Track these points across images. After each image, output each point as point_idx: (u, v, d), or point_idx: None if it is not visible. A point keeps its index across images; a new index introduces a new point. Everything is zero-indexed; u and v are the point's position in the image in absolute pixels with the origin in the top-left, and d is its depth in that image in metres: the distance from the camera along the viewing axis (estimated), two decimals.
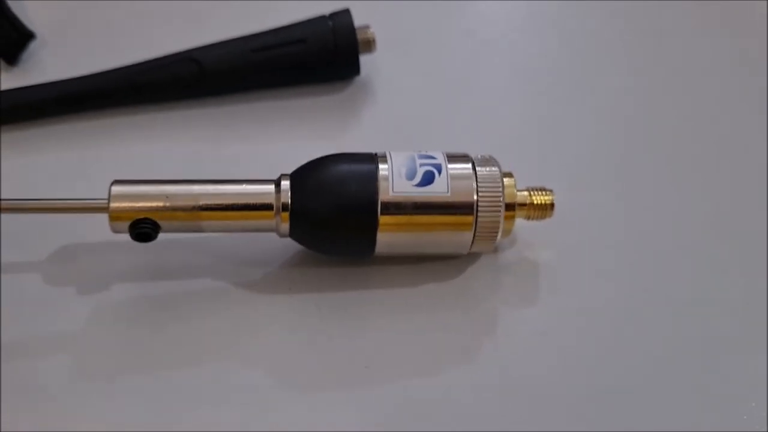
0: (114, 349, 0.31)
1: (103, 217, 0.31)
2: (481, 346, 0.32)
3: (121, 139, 0.39)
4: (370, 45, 0.40)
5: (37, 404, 0.30)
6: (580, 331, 0.32)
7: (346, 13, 0.39)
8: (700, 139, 0.39)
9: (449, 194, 0.31)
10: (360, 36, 0.39)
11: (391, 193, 0.31)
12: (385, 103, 0.40)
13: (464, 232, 0.32)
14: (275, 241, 0.33)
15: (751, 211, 0.36)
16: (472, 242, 0.32)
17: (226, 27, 0.40)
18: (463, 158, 0.32)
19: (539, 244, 0.35)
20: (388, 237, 0.31)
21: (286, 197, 0.31)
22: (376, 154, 0.32)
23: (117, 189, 0.31)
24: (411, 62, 0.42)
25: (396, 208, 0.31)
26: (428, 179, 0.31)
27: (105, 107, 0.39)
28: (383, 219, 0.31)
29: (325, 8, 0.40)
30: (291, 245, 0.33)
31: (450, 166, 0.32)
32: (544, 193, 0.33)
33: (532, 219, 0.33)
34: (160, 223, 0.31)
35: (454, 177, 0.31)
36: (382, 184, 0.31)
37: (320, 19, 0.40)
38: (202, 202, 0.31)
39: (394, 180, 0.31)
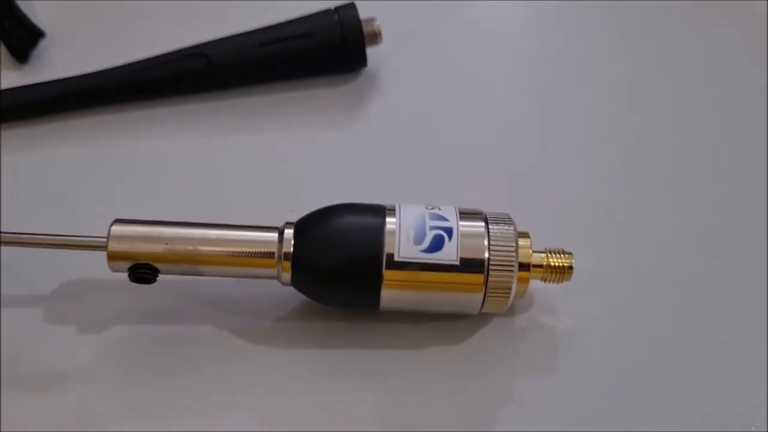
0: (114, 395, 0.30)
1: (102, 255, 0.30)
2: (486, 415, 0.30)
3: (131, 133, 0.39)
4: (376, 37, 0.40)
5: None
6: (595, 402, 0.31)
7: (351, 6, 0.40)
8: (733, 204, 0.37)
9: (458, 262, 0.30)
10: (366, 28, 0.40)
11: (396, 257, 0.30)
12: (392, 94, 0.41)
13: (474, 293, 0.30)
14: (278, 287, 0.31)
15: None
16: (483, 302, 0.30)
17: (233, 21, 0.40)
18: (476, 215, 0.31)
19: (556, 307, 0.33)
20: (393, 293, 0.30)
21: (289, 246, 0.30)
22: (384, 207, 0.31)
23: (117, 229, 0.31)
24: (417, 54, 0.42)
25: (402, 264, 0.30)
26: (437, 245, 0.30)
27: (115, 103, 0.40)
28: (388, 274, 0.30)
29: (331, 2, 0.40)
30: (294, 292, 0.31)
31: (461, 223, 0.30)
32: (562, 255, 0.31)
33: (549, 282, 0.31)
34: (159, 266, 0.30)
35: (465, 235, 0.30)
36: (387, 239, 0.30)
37: (326, 13, 0.40)
38: (202, 247, 0.30)
39: (401, 243, 0.30)
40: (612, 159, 0.38)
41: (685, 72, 0.42)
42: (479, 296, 0.30)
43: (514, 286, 0.30)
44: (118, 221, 0.31)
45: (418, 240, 0.30)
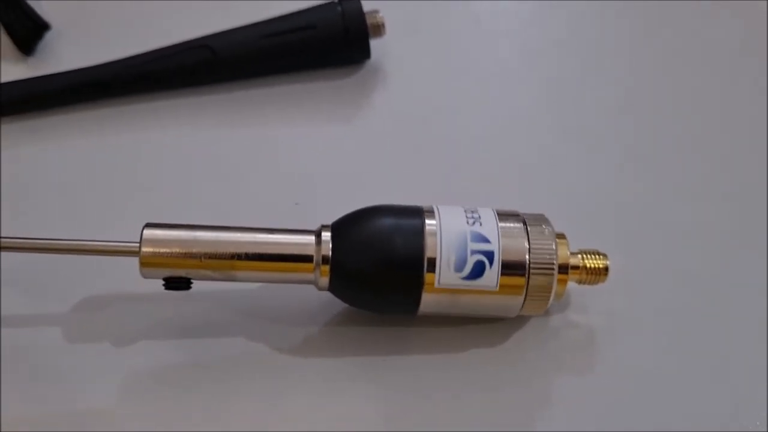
0: (147, 411, 0.30)
1: (132, 261, 0.30)
2: (527, 417, 0.30)
3: (137, 125, 0.39)
4: (379, 29, 0.40)
5: None
6: (632, 402, 0.31)
7: None
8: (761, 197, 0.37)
9: (497, 289, 0.30)
10: (369, 21, 0.40)
11: (437, 285, 0.29)
12: (396, 86, 0.41)
13: (515, 296, 0.30)
14: (312, 293, 0.31)
15: None
16: (523, 305, 0.30)
17: (237, 14, 0.40)
18: (514, 217, 0.31)
19: (591, 307, 0.33)
20: (434, 297, 0.30)
21: (327, 249, 0.30)
22: (422, 209, 0.31)
23: (149, 233, 0.30)
24: (421, 46, 0.43)
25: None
26: (477, 272, 0.29)
27: (121, 95, 0.40)
28: (429, 277, 0.29)
29: None
30: (329, 298, 0.31)
31: (501, 225, 0.30)
32: (598, 256, 0.31)
33: (584, 283, 0.32)
34: (194, 272, 0.30)
35: (505, 236, 0.30)
36: (429, 242, 0.29)
37: (329, 5, 0.40)
38: (238, 251, 0.30)
39: (442, 270, 0.29)
40: (619, 153, 0.39)
41: (691, 66, 0.42)
42: (519, 299, 0.30)
43: (554, 288, 0.30)
44: (149, 225, 0.30)
45: (459, 267, 0.29)
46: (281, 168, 0.37)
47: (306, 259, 0.30)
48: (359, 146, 0.38)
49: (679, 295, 0.34)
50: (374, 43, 0.40)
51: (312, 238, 0.30)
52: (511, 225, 0.30)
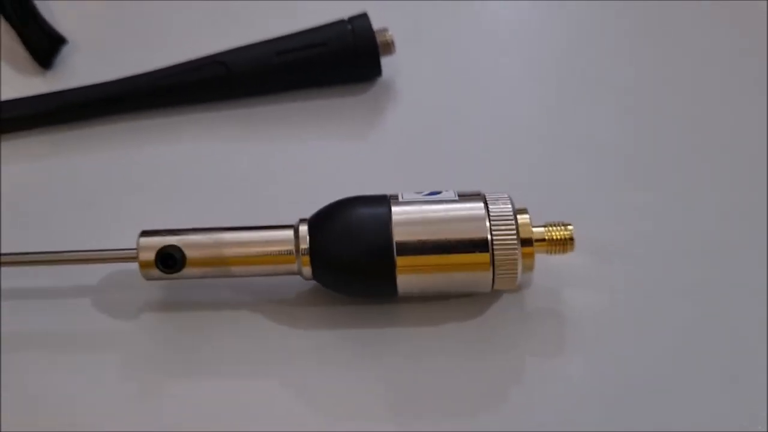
0: (149, 392, 0.32)
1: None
2: (501, 391, 0.32)
3: (152, 140, 0.40)
4: (389, 47, 0.41)
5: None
6: (608, 376, 0.32)
7: (364, 17, 0.41)
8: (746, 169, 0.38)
9: (457, 198, 0.32)
10: (379, 38, 0.40)
11: (400, 198, 0.32)
12: (407, 102, 0.41)
13: (483, 272, 0.32)
14: (305, 283, 0.34)
15: None
16: (493, 280, 0.32)
17: (251, 31, 0.41)
18: (475, 197, 0.32)
19: (569, 281, 0.34)
20: (408, 278, 0.32)
21: (305, 242, 0.32)
22: (388, 196, 0.33)
23: (144, 241, 0.32)
24: (431, 63, 0.43)
25: (412, 249, 0.31)
26: (435, 193, 0.33)
27: (136, 109, 0.41)
28: (400, 260, 0.31)
29: (345, 12, 0.41)
30: (319, 286, 0.33)
31: (462, 205, 0.32)
32: (563, 227, 0.33)
33: (554, 253, 0.33)
34: (189, 271, 0.32)
35: (467, 219, 0.32)
36: (396, 228, 0.31)
37: (340, 23, 0.41)
38: (226, 250, 0.32)
39: (404, 194, 0.33)
40: (625, 160, 0.39)
41: (695, 71, 0.43)
42: (488, 275, 0.32)
43: (519, 262, 0.32)
44: (145, 233, 0.33)
45: (418, 193, 0.33)
46: (293, 183, 0.38)
47: (288, 252, 0.32)
48: (371, 162, 0.39)
49: (662, 273, 0.35)
50: (386, 61, 0.41)
51: (290, 232, 0.32)
52: (472, 204, 0.32)
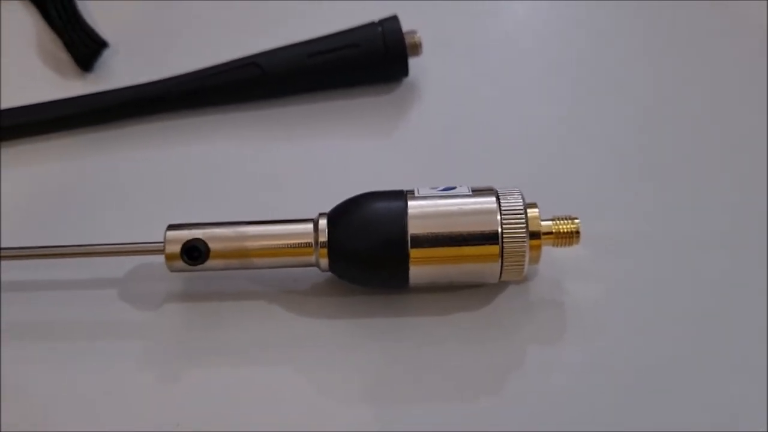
0: (168, 375, 0.34)
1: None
2: (506, 378, 0.33)
3: (189, 139, 0.41)
4: (417, 48, 0.42)
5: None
6: (609, 367, 0.33)
7: (394, 19, 0.42)
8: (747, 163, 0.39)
9: (470, 193, 0.33)
10: (408, 40, 0.41)
11: (416, 194, 0.33)
12: (432, 101, 0.42)
13: (492, 263, 0.33)
14: (321, 274, 0.35)
15: None
16: (501, 271, 0.33)
17: (284, 33, 0.42)
18: (488, 192, 0.34)
19: (573, 274, 0.35)
20: (420, 270, 0.33)
21: (324, 235, 0.33)
22: (404, 191, 0.34)
23: (171, 234, 0.34)
24: (455, 63, 0.44)
25: (426, 241, 0.32)
26: (450, 188, 0.34)
27: (173, 110, 0.42)
28: (414, 252, 0.32)
29: (374, 15, 0.42)
30: (333, 277, 0.35)
31: (475, 200, 0.33)
32: (569, 221, 0.34)
33: (560, 246, 0.34)
34: (213, 263, 0.33)
35: (479, 212, 0.33)
36: (411, 221, 0.33)
37: (371, 25, 0.42)
38: (248, 243, 0.34)
39: (419, 190, 0.34)
40: (643, 165, 0.40)
41: (706, 72, 0.43)
42: (497, 266, 0.33)
43: (527, 254, 0.33)
44: (171, 226, 0.34)
45: (434, 188, 0.34)
46: (320, 179, 0.39)
47: (306, 245, 0.33)
48: (395, 159, 0.40)
49: (665, 268, 0.36)
50: (412, 62, 0.42)
51: (310, 226, 0.34)
52: (485, 199, 0.33)
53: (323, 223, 0.34)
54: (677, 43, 0.45)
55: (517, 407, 0.32)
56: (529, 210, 0.33)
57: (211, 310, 0.35)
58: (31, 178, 0.40)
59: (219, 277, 0.36)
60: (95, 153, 0.41)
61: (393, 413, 0.32)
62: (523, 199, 0.33)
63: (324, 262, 0.33)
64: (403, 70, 0.42)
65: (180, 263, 0.34)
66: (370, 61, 0.42)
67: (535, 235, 0.33)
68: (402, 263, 0.33)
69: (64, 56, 0.44)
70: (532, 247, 0.33)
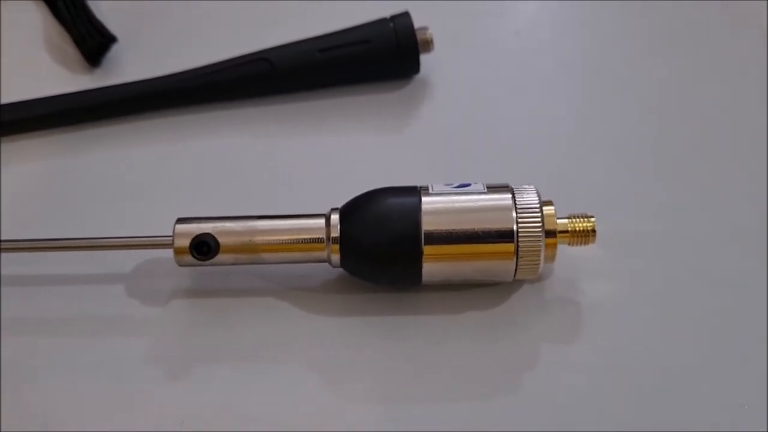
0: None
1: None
2: (519, 377, 0.33)
3: (199, 133, 0.41)
4: (428, 45, 0.41)
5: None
6: (622, 367, 0.33)
7: (406, 15, 0.41)
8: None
9: (485, 190, 0.33)
10: (419, 36, 0.41)
11: (430, 190, 0.33)
12: (443, 98, 0.42)
13: (506, 261, 0.32)
14: (332, 271, 0.34)
15: None
16: (516, 270, 0.33)
17: (294, 29, 0.42)
18: (503, 189, 0.33)
19: (588, 273, 0.35)
20: (433, 267, 0.32)
21: (336, 230, 0.33)
22: (418, 187, 0.33)
23: (180, 227, 0.33)
24: (466, 60, 0.44)
25: (440, 238, 0.32)
26: (465, 185, 0.33)
27: (182, 105, 0.42)
28: (427, 249, 0.32)
29: (385, 12, 0.42)
30: (346, 274, 0.34)
31: (490, 196, 0.33)
32: (585, 219, 0.33)
33: (576, 245, 0.33)
34: (223, 257, 0.33)
35: (494, 208, 0.32)
36: (425, 217, 0.32)
37: (382, 21, 0.41)
38: (258, 237, 0.33)
39: (434, 186, 0.33)
40: (654, 162, 0.40)
41: (719, 71, 0.43)
42: (511, 264, 0.32)
43: (542, 252, 0.32)
44: (180, 220, 0.34)
45: (448, 185, 0.33)
46: (331, 175, 0.39)
47: (318, 240, 0.33)
48: (406, 155, 0.40)
49: (679, 267, 0.35)
50: (423, 58, 0.42)
51: (322, 221, 0.33)
52: (500, 196, 0.33)
53: (335, 218, 0.33)
54: (689, 42, 0.45)
55: (530, 407, 0.32)
56: (544, 207, 0.33)
57: (218, 306, 0.35)
58: (39, 172, 0.40)
59: (227, 273, 0.35)
60: (104, 147, 0.41)
61: (403, 412, 0.32)
62: (538, 196, 0.33)
63: (335, 258, 0.33)
64: (414, 67, 0.42)
65: (189, 258, 0.33)
66: (382, 57, 0.42)
67: (550, 234, 0.33)
68: (415, 260, 0.32)
69: (72, 51, 0.44)
70: (547, 246, 0.32)
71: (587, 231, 0.33)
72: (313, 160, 0.40)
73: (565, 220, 0.33)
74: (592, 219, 0.33)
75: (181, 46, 0.45)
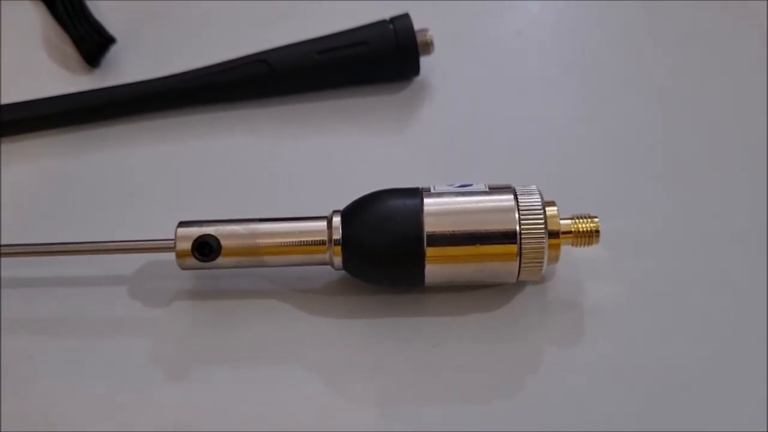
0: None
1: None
2: (522, 379, 0.33)
3: (199, 134, 0.41)
4: (428, 47, 0.41)
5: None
6: (625, 369, 0.33)
7: (405, 17, 0.41)
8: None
9: (487, 189, 0.33)
10: (419, 38, 0.41)
11: (432, 191, 0.33)
12: (443, 100, 0.42)
13: (509, 262, 0.32)
14: (333, 273, 0.34)
15: None
16: (519, 271, 0.32)
17: (293, 31, 0.42)
18: (505, 189, 0.33)
19: (591, 274, 0.35)
20: (436, 268, 0.32)
21: (338, 233, 0.33)
22: (420, 189, 0.33)
23: (182, 231, 0.33)
24: (466, 62, 0.44)
25: (442, 239, 0.32)
26: (467, 185, 0.33)
27: (181, 106, 0.42)
28: (430, 251, 0.32)
29: (385, 13, 0.42)
30: (349, 276, 0.34)
31: (492, 197, 0.33)
32: (589, 220, 0.33)
33: (579, 246, 0.33)
34: (225, 260, 0.33)
35: (496, 210, 0.32)
36: (427, 219, 0.32)
37: (382, 23, 0.41)
38: (260, 240, 0.33)
39: (435, 186, 0.33)
40: (656, 162, 0.40)
41: (722, 72, 0.43)
42: (515, 265, 0.32)
43: (545, 253, 0.32)
44: (182, 224, 0.33)
45: (450, 185, 0.34)
46: (331, 177, 0.39)
47: (320, 243, 0.33)
48: (406, 157, 0.40)
49: (682, 268, 0.35)
50: (423, 60, 0.42)
51: (324, 224, 0.33)
52: (503, 197, 0.33)
53: (337, 220, 0.33)
54: (689, 42, 0.45)
55: (533, 408, 0.32)
56: (547, 208, 0.33)
57: (220, 308, 0.35)
58: (38, 173, 0.40)
59: (229, 276, 0.35)
60: (103, 149, 0.41)
61: (405, 414, 0.32)
62: (541, 197, 0.33)
63: (338, 260, 0.33)
64: (414, 69, 0.42)
65: (191, 260, 0.33)
66: (381, 59, 0.42)
67: (554, 234, 0.33)
68: (418, 262, 0.32)
69: (71, 51, 0.44)
70: (550, 247, 0.32)
71: (591, 231, 0.33)
72: (314, 161, 0.40)
73: (569, 221, 0.33)
74: (596, 219, 0.33)
75: (180, 46, 0.45)
